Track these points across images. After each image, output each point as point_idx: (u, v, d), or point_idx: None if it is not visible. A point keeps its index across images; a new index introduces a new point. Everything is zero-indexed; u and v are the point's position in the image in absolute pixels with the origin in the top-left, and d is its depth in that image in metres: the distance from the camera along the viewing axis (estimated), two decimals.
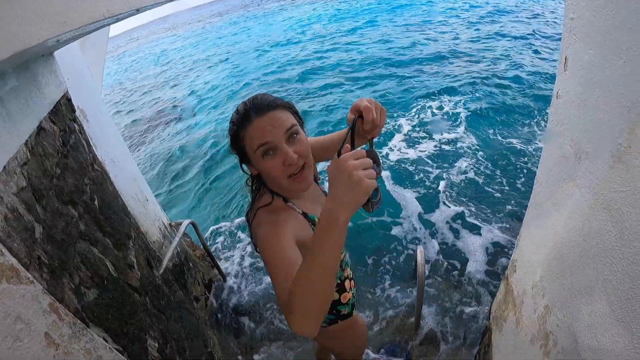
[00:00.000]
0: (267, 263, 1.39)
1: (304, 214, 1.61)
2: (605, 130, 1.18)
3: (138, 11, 1.65)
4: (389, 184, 7.92)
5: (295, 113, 1.55)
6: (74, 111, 2.35)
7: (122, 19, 1.82)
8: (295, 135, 1.45)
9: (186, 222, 3.63)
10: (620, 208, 1.11)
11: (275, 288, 1.32)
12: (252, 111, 1.45)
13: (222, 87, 17.72)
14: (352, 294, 2.05)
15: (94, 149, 2.51)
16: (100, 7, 1.43)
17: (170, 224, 3.83)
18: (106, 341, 1.55)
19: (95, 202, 2.08)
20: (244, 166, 1.60)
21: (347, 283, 1.98)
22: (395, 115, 10.61)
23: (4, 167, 1.35)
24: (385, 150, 8.99)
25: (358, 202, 1.02)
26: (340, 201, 1.03)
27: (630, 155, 1.06)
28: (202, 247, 4.39)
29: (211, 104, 15.82)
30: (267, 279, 5.47)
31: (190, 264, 4.00)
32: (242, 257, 6.13)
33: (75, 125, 2.33)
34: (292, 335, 4.06)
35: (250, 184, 1.66)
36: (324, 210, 1.05)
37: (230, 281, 5.25)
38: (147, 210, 3.35)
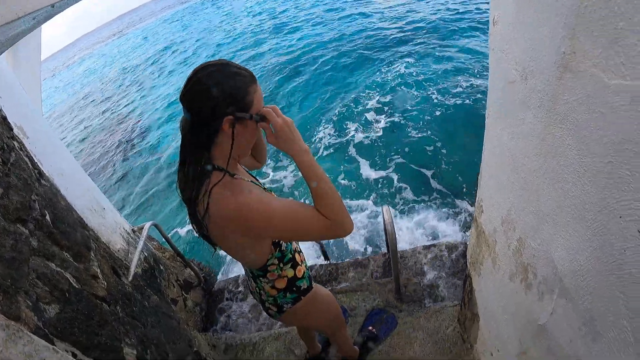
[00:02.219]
0: (285, 228, 1.57)
1: (252, 182, 1.66)
2: (547, 43, 1.16)
3: (53, 7, 1.57)
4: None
5: None
6: (11, 129, 2.25)
7: (42, 20, 1.73)
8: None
9: (147, 225, 3.55)
10: (577, 118, 1.08)
11: (311, 231, 1.60)
12: (252, 75, 1.53)
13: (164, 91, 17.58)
14: (305, 266, 2.06)
15: (39, 165, 2.42)
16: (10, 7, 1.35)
17: (133, 230, 3.74)
18: (75, 355, 1.49)
19: (47, 217, 2.00)
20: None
21: (297, 256, 1.99)
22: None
23: None
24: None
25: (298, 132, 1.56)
26: (297, 137, 1.54)
27: (576, 61, 1.04)
28: (170, 248, 4.30)
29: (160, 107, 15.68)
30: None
31: (161, 267, 3.92)
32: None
33: (15, 142, 2.22)
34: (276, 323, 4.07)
35: (201, 163, 1.55)
36: (296, 151, 1.53)
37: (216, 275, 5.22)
38: (106, 219, 3.26)
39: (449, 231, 5.87)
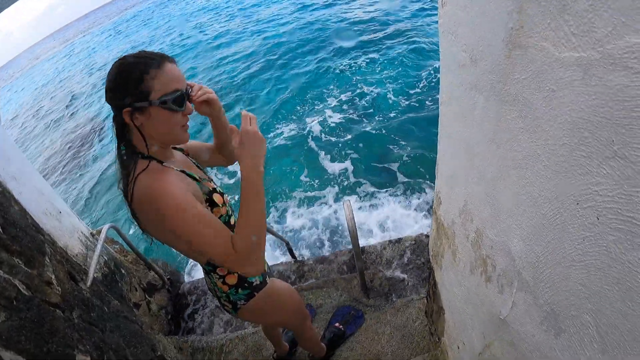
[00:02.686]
0: (185, 228, 1.44)
1: (182, 171, 1.60)
2: (495, 20, 1.12)
3: None
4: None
5: None
6: None
7: None
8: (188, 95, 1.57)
9: (105, 227, 3.44)
10: (528, 98, 1.04)
11: (207, 247, 1.48)
12: (162, 57, 1.47)
13: None
14: None
15: None
16: None
17: (92, 233, 3.64)
18: None
19: None
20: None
21: None
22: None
23: None
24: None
25: (264, 154, 1.51)
26: (259, 155, 1.50)
27: (524, 36, 1.00)
28: (131, 251, 4.20)
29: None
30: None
31: (123, 271, 3.83)
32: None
33: None
34: (245, 324, 4.03)
35: (123, 152, 1.55)
36: (248, 166, 1.48)
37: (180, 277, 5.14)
38: (62, 223, 3.16)
39: (413, 223, 5.91)
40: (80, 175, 11.43)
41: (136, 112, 1.45)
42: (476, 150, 1.50)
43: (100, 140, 13.60)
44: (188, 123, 1.60)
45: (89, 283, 2.64)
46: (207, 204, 1.66)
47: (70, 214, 3.51)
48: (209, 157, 2.05)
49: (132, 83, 1.41)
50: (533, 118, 1.03)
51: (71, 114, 18.30)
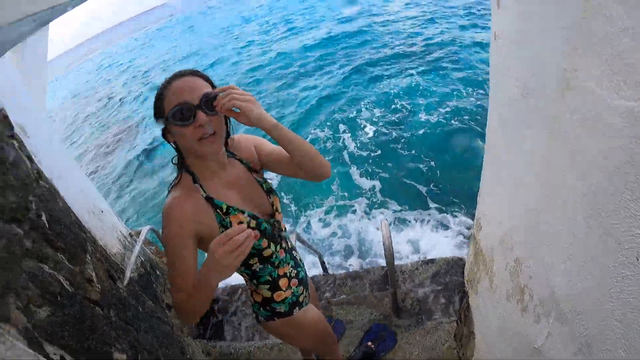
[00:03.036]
0: (168, 254, 1.60)
1: (209, 199, 1.63)
2: (549, 59, 1.13)
3: (53, 10, 1.57)
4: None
5: (213, 87, 1.62)
6: (11, 128, 2.25)
7: (44, 22, 1.73)
8: (211, 104, 1.52)
9: (145, 229, 3.53)
10: (578, 139, 1.06)
11: (171, 279, 1.62)
12: (173, 76, 1.57)
13: None
14: (293, 293, 2.04)
15: (38, 165, 2.41)
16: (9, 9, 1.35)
17: (130, 234, 3.73)
18: (64, 358, 1.48)
19: (43, 218, 1.99)
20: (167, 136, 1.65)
21: (282, 282, 1.97)
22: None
23: None
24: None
25: (227, 274, 1.39)
26: (215, 273, 1.39)
27: (577, 79, 1.01)
28: None
29: None
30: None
31: (158, 272, 3.90)
32: None
33: (15, 142, 2.22)
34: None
35: (176, 161, 1.71)
36: (203, 271, 1.42)
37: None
38: (103, 222, 3.25)
39: (444, 246, 5.85)
40: (114, 173, 11.64)
41: (167, 130, 1.60)
42: (522, 181, 1.51)
43: (133, 143, 13.83)
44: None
45: (125, 282, 2.71)
46: None
47: (111, 213, 3.60)
48: (286, 169, 1.91)
49: (155, 104, 1.57)
50: (581, 158, 1.05)
51: (115, 113, 18.66)
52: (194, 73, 1.58)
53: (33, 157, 2.40)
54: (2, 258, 1.46)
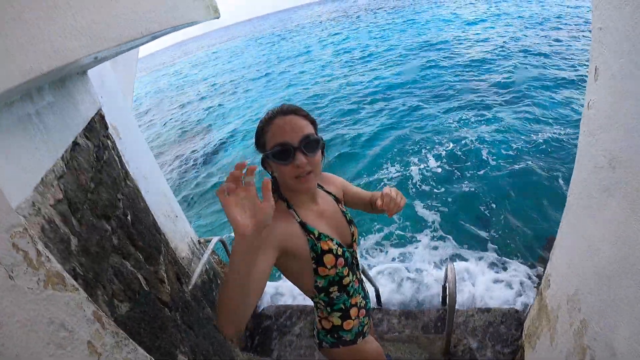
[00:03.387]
0: None
1: (303, 224, 1.69)
2: (638, 138, 1.15)
3: (175, 28, 1.69)
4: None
5: (316, 128, 1.69)
6: (107, 128, 2.39)
7: (155, 37, 1.86)
8: (311, 146, 1.57)
9: (215, 239, 3.64)
10: None
11: None
12: (276, 112, 1.62)
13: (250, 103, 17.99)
14: (360, 322, 2.05)
15: (126, 165, 2.54)
16: (138, 26, 1.47)
17: (199, 241, 3.85)
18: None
19: (128, 217, 2.11)
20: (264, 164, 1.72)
21: (353, 311, 1.98)
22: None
23: (42, 179, 1.37)
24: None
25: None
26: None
27: None
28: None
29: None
30: (298, 297, 5.52)
31: (219, 281, 4.00)
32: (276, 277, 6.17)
33: (109, 141, 2.36)
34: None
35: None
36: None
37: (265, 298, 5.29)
38: (177, 226, 3.38)
39: (500, 294, 5.72)
40: (190, 180, 11.98)
41: (266, 161, 1.67)
42: (598, 246, 1.51)
43: (210, 152, 14.16)
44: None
45: (191, 287, 2.80)
46: (314, 261, 1.72)
47: (184, 219, 3.74)
48: (362, 207, 2.12)
49: (257, 136, 1.67)
50: None
51: (201, 117, 19.19)
52: (296, 112, 1.64)
53: (122, 157, 2.55)
54: (95, 252, 1.56)
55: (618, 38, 1.23)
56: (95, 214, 1.72)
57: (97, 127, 2.21)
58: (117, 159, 2.39)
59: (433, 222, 7.61)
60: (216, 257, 4.69)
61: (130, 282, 1.75)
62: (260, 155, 1.68)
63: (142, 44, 2.18)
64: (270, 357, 4.17)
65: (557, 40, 16.62)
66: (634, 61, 1.14)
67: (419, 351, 3.76)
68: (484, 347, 3.90)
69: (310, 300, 1.97)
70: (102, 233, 1.70)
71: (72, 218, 1.50)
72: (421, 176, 9.12)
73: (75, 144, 1.82)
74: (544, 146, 8.96)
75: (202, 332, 2.61)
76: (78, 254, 1.44)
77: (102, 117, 2.37)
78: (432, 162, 9.61)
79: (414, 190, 8.72)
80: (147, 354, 1.39)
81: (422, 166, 9.54)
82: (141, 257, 2.07)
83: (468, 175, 8.76)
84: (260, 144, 1.66)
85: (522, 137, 9.75)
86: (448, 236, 7.17)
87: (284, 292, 5.81)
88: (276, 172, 1.65)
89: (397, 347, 3.78)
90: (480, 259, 6.52)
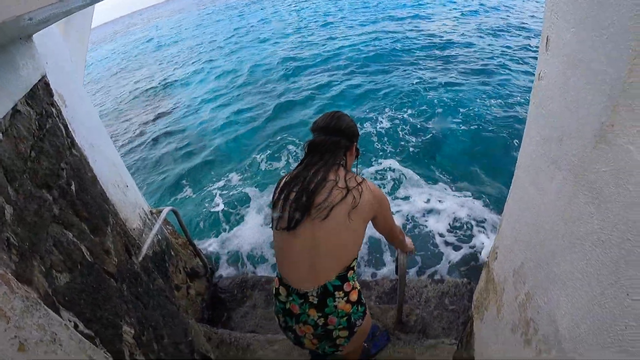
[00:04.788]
0: (388, 210, 2.27)
1: None
2: (588, 110, 1.16)
3: None
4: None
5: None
6: (52, 95, 2.31)
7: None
8: None
9: (167, 209, 3.60)
10: (603, 189, 1.09)
11: (393, 225, 2.41)
12: None
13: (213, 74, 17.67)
14: None
15: (72, 134, 2.47)
16: None
17: (151, 211, 3.80)
18: (77, 326, 1.53)
19: (72, 187, 2.05)
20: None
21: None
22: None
23: None
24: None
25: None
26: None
27: (613, 133, 1.04)
28: (184, 235, 4.34)
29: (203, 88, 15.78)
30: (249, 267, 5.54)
31: (172, 252, 3.97)
32: (222, 245, 6.14)
33: (53, 109, 2.28)
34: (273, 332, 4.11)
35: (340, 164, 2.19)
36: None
37: (221, 270, 5.29)
38: (127, 196, 3.32)
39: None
40: (143, 149, 11.75)
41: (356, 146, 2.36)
42: (544, 219, 1.53)
43: (164, 121, 13.91)
44: None
45: (140, 258, 2.77)
46: None
47: (135, 189, 3.67)
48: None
49: (357, 133, 2.32)
50: (605, 208, 1.08)
51: (149, 86, 18.77)
52: None
53: (68, 125, 2.47)
54: (32, 222, 1.51)
55: (571, 6, 1.22)
56: (35, 183, 1.67)
57: (40, 94, 2.13)
58: (62, 127, 2.31)
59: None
60: (170, 227, 4.64)
61: (72, 253, 1.71)
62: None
63: (86, 5, 2.09)
64: (226, 329, 4.18)
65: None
66: (586, 30, 1.14)
67: (371, 321, 3.82)
68: (436, 318, 3.99)
69: (325, 293, 2.08)
70: (42, 203, 1.65)
71: (8, 187, 1.46)
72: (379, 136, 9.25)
73: (15, 110, 1.75)
74: (504, 118, 9.13)
75: (152, 303, 2.59)
76: (13, 224, 1.39)
77: (47, 84, 2.28)
78: (386, 123, 9.75)
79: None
80: (61, 319, 1.36)
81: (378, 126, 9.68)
82: (86, 227, 2.02)
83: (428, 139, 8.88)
84: (356, 137, 2.32)
85: (482, 106, 9.90)
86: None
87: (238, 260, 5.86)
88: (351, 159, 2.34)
89: None
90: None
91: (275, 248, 2.19)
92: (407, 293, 4.23)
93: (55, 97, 2.38)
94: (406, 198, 7.23)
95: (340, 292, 2.05)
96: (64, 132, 2.30)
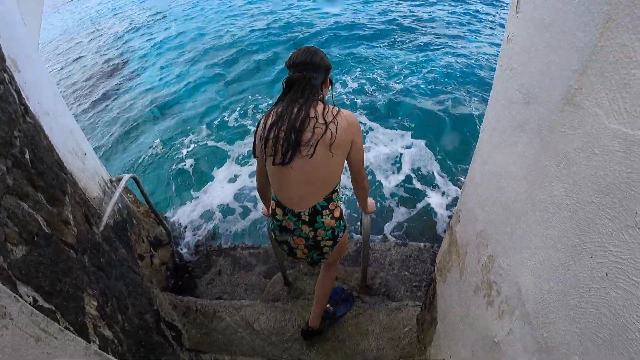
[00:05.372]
0: (362, 151, 2.45)
1: None
2: (557, 73, 1.15)
3: None
4: None
5: None
6: (3, 60, 2.20)
7: None
8: None
9: (127, 176, 3.52)
10: (569, 152, 1.09)
11: (362, 167, 2.51)
12: None
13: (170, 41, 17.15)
14: None
15: (26, 101, 2.37)
16: None
17: (110, 180, 3.70)
18: (36, 301, 1.48)
19: (26, 156, 1.97)
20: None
21: None
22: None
23: None
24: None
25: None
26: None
27: (581, 97, 1.04)
28: (145, 203, 4.27)
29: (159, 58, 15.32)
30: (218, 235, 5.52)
31: (134, 221, 3.90)
32: (193, 207, 6.09)
33: (5, 75, 2.18)
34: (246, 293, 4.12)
35: (318, 97, 2.38)
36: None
37: (185, 238, 5.23)
38: (86, 165, 3.22)
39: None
40: (103, 115, 11.44)
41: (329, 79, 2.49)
42: (507, 182, 1.53)
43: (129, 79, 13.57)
44: None
45: (101, 228, 2.70)
46: None
47: (94, 157, 3.57)
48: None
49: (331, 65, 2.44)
50: (570, 172, 1.09)
51: (107, 52, 18.19)
52: None
53: (21, 91, 2.37)
54: None
55: None
56: None
57: None
58: (14, 93, 2.21)
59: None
60: (131, 195, 4.55)
61: (27, 225, 1.65)
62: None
63: None
64: (192, 297, 4.16)
65: None
66: None
67: (336, 283, 3.86)
68: (399, 281, 4.04)
69: (314, 211, 2.47)
70: None
71: None
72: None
73: None
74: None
75: (115, 273, 2.54)
76: None
77: None
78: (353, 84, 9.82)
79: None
80: (10, 292, 1.30)
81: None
82: (42, 198, 1.95)
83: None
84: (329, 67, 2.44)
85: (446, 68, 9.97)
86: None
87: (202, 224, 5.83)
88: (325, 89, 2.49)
89: (316, 280, 3.87)
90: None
91: (271, 177, 2.51)
92: (371, 256, 4.27)
93: (8, 62, 2.28)
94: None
95: (327, 211, 2.47)
96: (16, 98, 2.20)
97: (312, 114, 2.25)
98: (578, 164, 1.05)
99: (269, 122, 2.35)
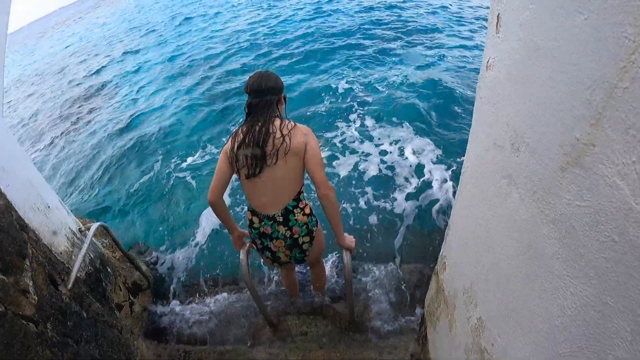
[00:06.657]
0: (318, 154, 2.63)
1: None
2: (556, 117, 0.91)
3: None
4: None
5: None
6: None
7: None
8: None
9: (95, 225, 3.36)
10: (574, 227, 0.88)
11: (323, 172, 2.63)
12: None
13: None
14: None
15: None
16: None
17: (80, 229, 3.52)
18: None
19: None
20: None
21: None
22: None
23: None
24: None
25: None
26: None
27: (592, 157, 0.79)
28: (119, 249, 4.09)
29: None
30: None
31: (109, 269, 3.73)
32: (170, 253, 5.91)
33: None
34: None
35: (274, 116, 2.67)
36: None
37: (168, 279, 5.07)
38: (50, 218, 3.04)
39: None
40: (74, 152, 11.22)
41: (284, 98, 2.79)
42: (497, 241, 1.37)
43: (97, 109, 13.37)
44: None
45: (70, 285, 2.55)
46: None
47: (59, 207, 3.38)
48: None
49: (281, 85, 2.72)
50: (576, 253, 0.90)
51: (70, 88, 17.93)
52: None
53: None
54: None
55: None
56: None
57: None
58: None
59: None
60: (106, 240, 4.35)
61: None
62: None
63: None
64: (178, 344, 3.99)
65: None
66: (552, 6, 0.89)
67: (324, 322, 3.74)
68: (389, 315, 3.93)
69: (287, 211, 2.78)
70: None
71: None
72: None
73: None
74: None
75: (85, 335, 2.39)
76: None
77: None
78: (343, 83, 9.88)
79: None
80: None
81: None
82: None
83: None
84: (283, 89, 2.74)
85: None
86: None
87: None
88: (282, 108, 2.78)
89: (302, 320, 3.74)
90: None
91: (245, 189, 2.81)
92: (359, 285, 4.15)
93: None
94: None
95: (298, 209, 2.78)
96: None
97: (271, 130, 2.59)
98: (589, 249, 0.84)
99: (238, 140, 2.65)
